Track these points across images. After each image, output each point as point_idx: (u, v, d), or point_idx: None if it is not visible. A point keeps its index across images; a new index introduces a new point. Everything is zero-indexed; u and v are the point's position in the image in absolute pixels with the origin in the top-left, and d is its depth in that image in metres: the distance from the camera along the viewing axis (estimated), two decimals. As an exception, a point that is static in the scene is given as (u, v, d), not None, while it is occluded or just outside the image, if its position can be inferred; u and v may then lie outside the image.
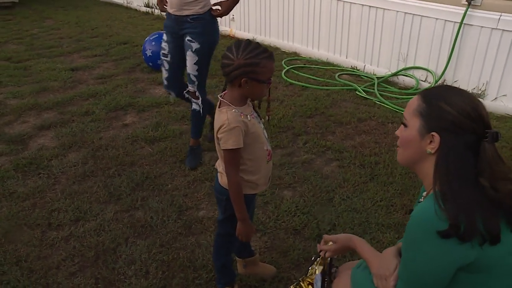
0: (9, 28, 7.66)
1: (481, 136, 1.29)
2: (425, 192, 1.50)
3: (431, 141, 1.34)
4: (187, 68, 3.34)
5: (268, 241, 2.70)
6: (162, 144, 3.82)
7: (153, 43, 5.48)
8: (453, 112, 1.31)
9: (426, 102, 1.38)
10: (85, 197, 3.11)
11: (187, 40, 3.24)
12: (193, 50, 3.24)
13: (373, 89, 4.94)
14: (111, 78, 5.43)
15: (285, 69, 5.58)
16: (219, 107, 1.87)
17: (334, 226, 2.80)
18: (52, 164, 3.52)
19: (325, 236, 1.82)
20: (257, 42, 1.79)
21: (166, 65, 3.40)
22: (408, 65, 5.26)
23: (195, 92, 3.40)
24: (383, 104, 4.59)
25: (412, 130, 1.39)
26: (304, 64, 5.89)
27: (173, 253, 2.61)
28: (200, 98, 3.43)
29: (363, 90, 4.93)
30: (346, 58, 5.87)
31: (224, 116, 1.81)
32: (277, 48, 6.64)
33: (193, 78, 3.34)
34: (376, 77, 5.29)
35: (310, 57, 6.20)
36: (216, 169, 2.06)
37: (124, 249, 2.64)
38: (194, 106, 3.48)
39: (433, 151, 1.34)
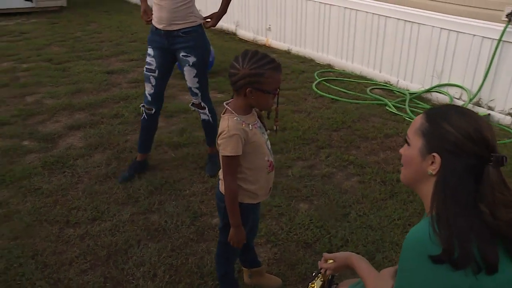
0: (54, 31, 7.96)
1: (485, 159, 1.24)
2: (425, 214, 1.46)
3: (432, 162, 1.30)
4: (187, 82, 3.32)
5: (278, 252, 2.68)
6: (185, 150, 3.87)
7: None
8: (454, 133, 1.26)
9: (429, 121, 1.34)
10: (105, 197, 3.19)
11: (182, 55, 3.21)
12: (191, 64, 3.21)
13: (404, 105, 4.84)
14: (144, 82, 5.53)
15: (317, 81, 5.56)
16: (223, 114, 1.88)
17: (346, 242, 2.75)
18: (77, 163, 3.63)
19: (325, 255, 1.80)
20: (265, 53, 1.79)
21: (153, 81, 3.28)
22: (443, 82, 5.13)
23: (200, 103, 3.40)
24: (412, 121, 4.48)
25: (414, 150, 1.36)
26: (337, 77, 5.85)
27: (182, 258, 2.63)
28: (207, 108, 3.43)
29: (394, 106, 4.84)
30: (380, 72, 5.79)
31: (225, 123, 1.83)
32: (311, 60, 6.62)
33: (196, 91, 3.33)
34: (409, 93, 5.19)
35: (343, 70, 6.15)
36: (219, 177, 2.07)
37: (135, 250, 2.68)
38: (203, 116, 3.47)
39: (434, 172, 1.30)
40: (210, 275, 2.49)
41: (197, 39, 3.22)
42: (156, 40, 3.23)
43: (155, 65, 3.25)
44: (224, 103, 1.91)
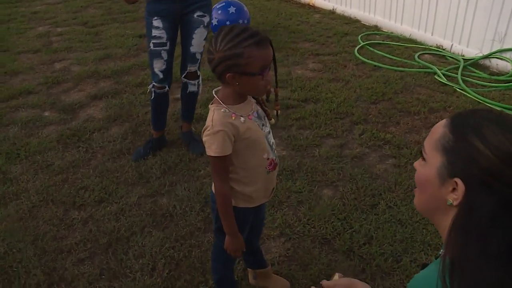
0: (93, -8, 7.81)
1: None
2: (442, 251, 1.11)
3: (453, 189, 0.94)
4: (193, 47, 3.04)
5: (291, 248, 2.40)
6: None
7: (220, 11, 5.25)
8: (489, 155, 0.88)
9: (454, 133, 0.95)
10: (115, 176, 3.01)
11: (197, 16, 2.95)
12: (205, 24, 3.00)
13: (457, 74, 4.30)
14: (176, 47, 5.27)
15: (360, 45, 5.07)
16: (211, 104, 1.57)
17: (370, 239, 2.42)
18: (93, 137, 3.46)
19: (324, 283, 1.48)
20: (245, 27, 1.44)
21: (165, 55, 2.98)
22: (505, 47, 4.50)
23: (197, 71, 3.16)
24: (464, 93, 3.97)
25: (430, 169, 0.98)
26: (383, 40, 5.32)
27: (185, 250, 2.41)
28: (200, 76, 3.20)
29: (444, 74, 4.31)
30: (432, 35, 5.20)
31: (210, 117, 1.52)
32: (357, 21, 6.10)
33: (198, 57, 3.10)
34: (463, 59, 4.62)
35: (391, 32, 5.60)
36: None
37: (137, 239, 2.49)
38: (192, 88, 3.20)
39: (455, 203, 0.94)
40: (212, 272, 2.26)
41: None
42: (164, 8, 2.88)
43: (166, 37, 2.94)
44: (213, 91, 1.60)
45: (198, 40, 3.02)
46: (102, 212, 2.70)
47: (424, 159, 1.01)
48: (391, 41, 5.28)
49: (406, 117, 3.62)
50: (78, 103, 3.99)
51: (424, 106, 3.75)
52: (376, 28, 5.78)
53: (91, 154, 3.28)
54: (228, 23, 5.29)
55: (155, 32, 2.92)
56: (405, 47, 5.10)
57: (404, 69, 4.47)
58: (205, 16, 2.99)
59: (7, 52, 5.34)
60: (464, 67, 4.46)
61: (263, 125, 1.63)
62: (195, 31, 2.99)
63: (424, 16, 5.20)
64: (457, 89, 4.05)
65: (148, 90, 3.18)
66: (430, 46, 5.10)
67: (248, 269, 2.18)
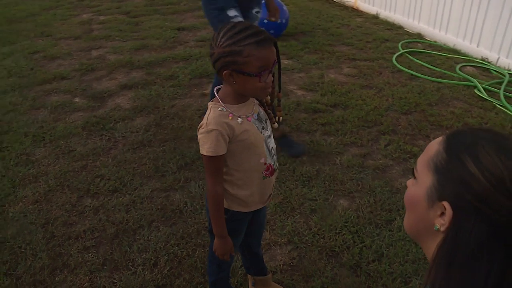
0: (140, -17, 7.93)
1: None
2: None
3: (442, 213, 0.85)
4: None
5: (297, 257, 2.32)
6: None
7: (258, 9, 5.19)
8: (480, 178, 0.79)
9: (448, 152, 0.86)
10: (132, 167, 3.02)
11: (255, 12, 2.94)
12: (258, 22, 3.03)
13: (499, 89, 4.08)
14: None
15: (399, 53, 4.90)
16: (211, 101, 1.52)
17: (380, 256, 2.31)
18: (117, 127, 3.49)
19: None
20: (248, 25, 1.37)
21: None
22: (555, 64, 4.24)
23: None
24: (504, 109, 3.76)
25: (420, 188, 0.90)
26: (424, 49, 5.12)
27: (189, 248, 2.38)
28: None
29: (485, 89, 4.10)
30: (477, 46, 4.95)
31: (206, 114, 1.47)
32: (400, 27, 5.90)
33: None
34: (509, 74, 4.37)
35: (434, 41, 5.38)
36: None
37: (144, 232, 2.48)
38: None
39: (442, 229, 0.85)
40: (213, 274, 2.22)
41: None
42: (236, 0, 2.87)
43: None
44: (215, 88, 1.55)
45: None
46: (114, 202, 2.71)
47: (415, 177, 0.93)
48: (433, 50, 5.08)
49: (437, 131, 3.46)
50: (107, 92, 4.04)
51: (459, 121, 3.57)
52: (419, 36, 5.58)
53: (113, 143, 3.30)
54: (266, 21, 5.23)
55: (237, 20, 2.89)
56: (446, 57, 4.88)
57: (442, 80, 4.27)
58: (260, 12, 3.02)
59: (50, 37, 5.49)
60: (509, 82, 4.22)
61: (263, 128, 1.56)
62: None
63: (471, 26, 4.97)
64: (497, 105, 3.84)
65: None
66: (474, 58, 4.87)
67: (248, 275, 2.13)
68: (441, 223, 0.84)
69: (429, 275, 0.85)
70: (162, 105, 3.81)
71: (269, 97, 1.60)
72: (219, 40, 1.35)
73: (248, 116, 1.51)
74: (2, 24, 6.09)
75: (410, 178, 0.97)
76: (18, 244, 2.42)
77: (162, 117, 3.63)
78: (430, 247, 0.89)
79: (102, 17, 6.13)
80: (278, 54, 1.44)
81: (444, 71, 4.50)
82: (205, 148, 1.45)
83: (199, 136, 1.48)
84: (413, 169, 0.94)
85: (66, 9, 6.66)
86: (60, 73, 4.39)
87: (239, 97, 1.49)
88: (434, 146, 0.90)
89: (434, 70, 4.54)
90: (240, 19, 2.90)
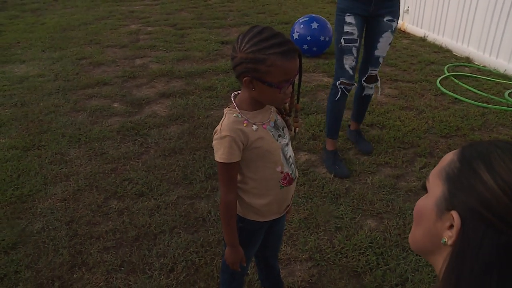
0: (191, -3, 8.14)
1: None
2: None
3: (451, 225, 0.78)
4: (378, 51, 3.02)
5: (316, 275, 2.24)
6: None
7: (302, 26, 5.20)
8: (492, 187, 0.72)
9: (461, 160, 0.79)
10: (161, 173, 3.03)
11: (387, 20, 2.91)
12: (393, 29, 2.96)
13: (549, 118, 3.86)
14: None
15: (443, 76, 4.75)
16: (227, 107, 1.49)
17: (405, 281, 2.19)
18: (150, 133, 3.54)
19: None
20: (276, 32, 1.34)
21: (355, 52, 2.95)
22: None
23: (376, 75, 3.17)
24: None
25: (430, 199, 0.83)
26: (471, 73, 4.93)
27: (208, 257, 2.34)
28: (379, 80, 3.22)
29: (534, 117, 3.89)
30: (530, 72, 4.73)
31: (221, 120, 1.44)
32: (447, 51, 5.73)
33: (381, 60, 3.09)
34: (561, 103, 4.14)
35: (483, 66, 5.18)
36: None
37: (165, 237, 2.47)
38: (369, 91, 3.23)
39: (449, 242, 0.78)
40: (228, 285, 2.16)
41: (399, 3, 2.98)
42: (357, 6, 2.88)
43: (357, 34, 2.92)
44: (232, 94, 1.52)
45: (384, 45, 3.01)
46: (139, 206, 2.72)
47: (426, 190, 0.86)
48: (481, 75, 4.88)
49: (479, 157, 3.29)
50: (146, 99, 4.11)
51: (502, 148, 3.38)
52: (467, 60, 5.39)
53: (145, 148, 3.34)
54: (309, 38, 5.22)
55: (347, 28, 2.91)
56: (495, 82, 4.68)
57: (488, 106, 4.09)
58: (394, 21, 2.96)
59: (98, 45, 5.69)
60: (560, 112, 3.99)
61: (279, 136, 1.51)
62: (383, 35, 2.97)
63: (523, 51, 4.76)
64: (546, 135, 3.63)
65: (332, 89, 3.14)
66: (525, 85, 4.64)
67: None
68: (449, 235, 0.76)
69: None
70: (197, 114, 3.83)
71: (287, 105, 1.56)
72: (243, 44, 1.32)
73: (263, 124, 1.46)
74: (56, 31, 6.38)
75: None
76: (42, 239, 2.47)
77: (196, 126, 3.65)
78: (439, 263, 0.82)
79: (149, 28, 6.30)
80: (301, 65, 1.40)
81: (491, 96, 4.31)
82: (219, 154, 1.42)
83: (213, 143, 1.45)
84: (424, 182, 0.87)
85: (116, 19, 6.90)
86: (103, 79, 4.52)
87: (256, 104, 1.45)
88: (449, 156, 0.83)
89: (480, 95, 4.36)
90: (353, 30, 2.90)
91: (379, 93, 3.41)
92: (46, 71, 4.83)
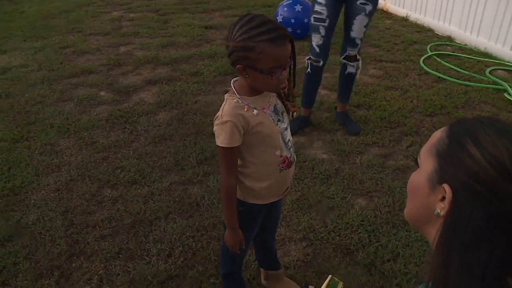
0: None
1: None
2: None
3: (443, 197, 0.83)
4: (354, 32, 3.11)
5: (311, 254, 2.30)
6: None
7: (285, 8, 5.20)
8: (480, 160, 0.77)
9: (449, 137, 0.85)
10: (152, 160, 3.05)
11: (360, 3, 2.98)
12: (367, 12, 3.02)
13: (530, 93, 3.96)
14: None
15: (427, 55, 4.81)
16: (227, 93, 1.52)
17: (396, 256, 2.27)
18: (140, 120, 3.54)
19: None
20: (267, 19, 1.36)
21: (323, 31, 3.07)
22: None
23: (356, 55, 3.24)
24: None
25: (422, 174, 0.88)
26: (453, 52, 5.01)
27: (204, 241, 2.39)
28: (360, 60, 3.30)
29: (515, 93, 3.98)
30: (510, 49, 4.81)
31: (222, 106, 1.47)
32: (429, 30, 5.79)
33: (358, 42, 3.17)
34: (541, 79, 4.24)
35: (465, 44, 5.26)
36: None
37: (160, 224, 2.51)
38: (350, 69, 3.31)
39: (442, 213, 0.83)
40: (226, 267, 2.22)
41: None
42: None
43: (326, 14, 3.03)
44: (232, 80, 1.54)
45: (358, 27, 3.08)
46: (132, 193, 2.75)
47: (418, 165, 0.91)
48: (463, 54, 4.96)
49: (463, 134, 3.37)
50: (133, 86, 4.11)
51: (485, 124, 3.47)
52: (449, 38, 5.46)
53: (135, 136, 3.35)
54: (293, 21, 5.23)
55: (317, 8, 3.03)
56: (477, 60, 4.76)
57: (471, 84, 4.17)
58: (368, 4, 3.01)
59: (81, 33, 5.62)
60: (540, 87, 4.09)
61: (278, 120, 1.55)
62: (356, 18, 3.04)
63: (504, 29, 4.83)
64: (527, 110, 3.73)
65: (305, 64, 3.28)
66: (506, 62, 4.73)
67: (260, 268, 2.12)
68: (441, 207, 0.82)
69: (432, 263, 0.83)
70: (185, 100, 3.84)
71: (286, 89, 1.59)
72: (234, 33, 1.34)
73: (264, 108, 1.50)
74: (36, 20, 6.27)
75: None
76: (38, 230, 2.48)
77: (184, 112, 3.66)
78: (432, 234, 0.87)
79: (132, 15, 6.24)
80: (294, 51, 1.43)
81: (473, 74, 4.39)
82: (220, 139, 1.45)
83: (214, 128, 1.48)
84: (416, 158, 0.93)
85: (98, 7, 6.80)
86: (88, 67, 4.49)
87: (254, 90, 1.48)
88: (438, 133, 0.89)
89: (462, 73, 4.44)
90: (322, 9, 3.00)
91: (358, 73, 3.42)
92: (29, 61, 4.77)
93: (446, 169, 0.82)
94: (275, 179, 1.60)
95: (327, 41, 3.12)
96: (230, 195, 1.55)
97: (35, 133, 3.39)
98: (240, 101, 1.46)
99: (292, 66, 1.56)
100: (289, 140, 1.60)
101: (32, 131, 3.41)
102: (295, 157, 1.65)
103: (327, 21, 3.03)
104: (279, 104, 1.59)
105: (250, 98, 1.48)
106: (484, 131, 0.79)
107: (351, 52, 3.21)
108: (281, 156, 1.56)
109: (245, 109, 1.46)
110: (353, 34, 3.11)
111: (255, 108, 1.47)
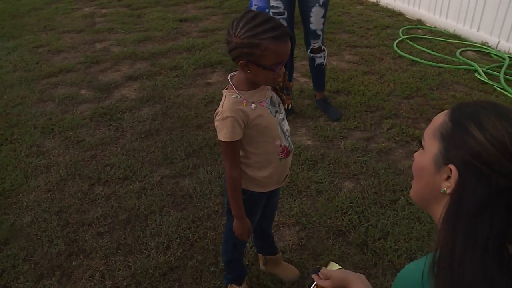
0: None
1: None
2: None
3: (448, 177, 0.92)
4: (313, 24, 3.19)
5: (305, 237, 2.40)
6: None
7: (259, -2, 5.22)
8: (482, 141, 0.86)
9: (452, 121, 0.93)
10: (141, 156, 3.09)
11: None
12: (321, 3, 3.09)
13: (499, 72, 4.13)
14: (214, 32, 5.33)
15: (399, 39, 4.95)
16: (225, 89, 1.58)
17: (386, 235, 2.39)
18: (124, 117, 3.56)
19: (323, 271, 1.47)
20: (268, 17, 1.43)
21: (284, 23, 3.13)
22: (554, 46, 4.28)
23: (320, 46, 3.32)
24: (505, 92, 3.81)
25: (427, 156, 0.97)
26: (424, 35, 5.16)
27: (201, 231, 2.45)
28: (325, 49, 3.38)
29: (486, 73, 4.15)
30: (477, 31, 4.99)
31: (221, 102, 1.53)
32: (400, 14, 5.93)
33: (319, 33, 3.24)
34: (509, 57, 4.42)
35: (434, 27, 5.42)
36: None
37: (156, 217, 2.56)
38: (319, 60, 3.40)
39: (448, 191, 0.92)
40: (224, 255, 2.29)
41: None
42: None
43: (283, 7, 3.12)
44: (229, 75, 1.61)
45: (316, 18, 3.15)
46: (125, 190, 2.78)
47: (423, 147, 1.00)
48: (433, 36, 5.12)
49: (439, 114, 3.51)
50: (113, 83, 4.10)
51: (460, 104, 3.62)
52: (419, 22, 5.61)
53: (121, 133, 3.37)
54: (267, 11, 5.27)
55: (273, 2, 3.13)
56: (447, 42, 4.92)
57: (443, 65, 4.32)
58: None
59: (53, 31, 5.54)
60: (509, 65, 4.27)
61: (276, 111, 1.62)
62: (312, 10, 3.11)
63: (471, 11, 5.00)
64: (498, 88, 3.89)
65: None
66: (475, 43, 4.91)
67: (259, 254, 2.20)
68: (447, 185, 0.91)
69: (438, 236, 0.92)
70: (167, 95, 3.87)
71: (282, 83, 1.66)
72: (238, 30, 1.40)
73: (261, 101, 1.57)
74: (5, 19, 6.14)
75: (416, 151, 1.04)
76: (34, 232, 2.50)
77: (168, 106, 3.69)
78: (438, 212, 0.96)
79: (104, 10, 6.17)
80: (292, 47, 1.50)
81: (444, 56, 4.54)
82: (222, 134, 1.52)
83: (215, 123, 1.54)
84: (420, 140, 1.01)
85: (68, 3, 6.70)
86: (65, 66, 4.45)
87: (252, 84, 1.55)
88: (440, 117, 0.97)
89: (434, 55, 4.58)
90: (278, 4, 3.10)
91: (326, 61, 3.45)
92: (2, 62, 4.70)
93: (450, 151, 0.91)
94: (276, 167, 1.68)
95: (291, 32, 3.21)
96: (235, 186, 1.62)
97: (19, 135, 3.37)
98: (238, 96, 1.52)
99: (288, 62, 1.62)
100: (286, 130, 1.68)
101: (16, 133, 3.39)
102: (292, 146, 1.73)
103: (286, 13, 3.15)
104: (275, 96, 1.67)
105: (248, 93, 1.54)
106: (486, 115, 0.88)
107: (315, 44, 3.29)
108: (280, 145, 1.64)
109: (244, 104, 1.52)
110: (312, 26, 3.19)
111: (253, 102, 1.54)
